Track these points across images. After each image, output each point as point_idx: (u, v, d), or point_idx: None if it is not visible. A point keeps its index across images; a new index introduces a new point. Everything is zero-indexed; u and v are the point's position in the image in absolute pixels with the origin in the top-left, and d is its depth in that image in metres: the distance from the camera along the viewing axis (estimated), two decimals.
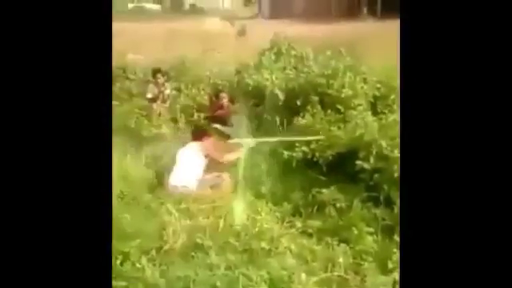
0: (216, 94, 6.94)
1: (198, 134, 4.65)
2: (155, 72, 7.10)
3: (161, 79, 7.02)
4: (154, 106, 6.56)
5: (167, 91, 7.04)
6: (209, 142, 4.53)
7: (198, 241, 2.97)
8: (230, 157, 4.47)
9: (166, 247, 2.94)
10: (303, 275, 2.64)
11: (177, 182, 4.11)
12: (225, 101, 6.69)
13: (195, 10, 33.36)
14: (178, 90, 7.44)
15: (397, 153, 4.26)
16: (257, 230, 3.11)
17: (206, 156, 4.42)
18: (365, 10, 22.23)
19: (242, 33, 14.49)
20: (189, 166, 4.26)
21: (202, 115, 6.42)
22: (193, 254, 2.90)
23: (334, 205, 4.05)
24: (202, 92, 7.15)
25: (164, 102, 6.83)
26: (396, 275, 2.81)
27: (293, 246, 3.08)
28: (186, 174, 4.18)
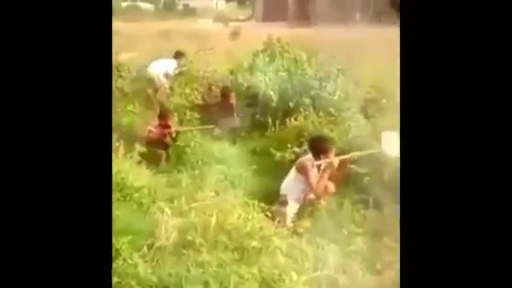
0: (223, 93, 6.94)
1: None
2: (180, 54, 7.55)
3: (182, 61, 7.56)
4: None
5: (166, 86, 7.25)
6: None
7: (190, 238, 2.98)
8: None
9: (157, 244, 2.95)
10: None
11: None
12: (232, 100, 6.80)
13: (188, 11, 33.30)
14: (171, 89, 7.48)
15: (387, 156, 4.31)
16: (248, 229, 3.14)
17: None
18: (357, 15, 22.37)
19: (235, 34, 14.51)
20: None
21: (195, 114, 6.45)
22: (184, 251, 2.91)
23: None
24: (196, 92, 7.18)
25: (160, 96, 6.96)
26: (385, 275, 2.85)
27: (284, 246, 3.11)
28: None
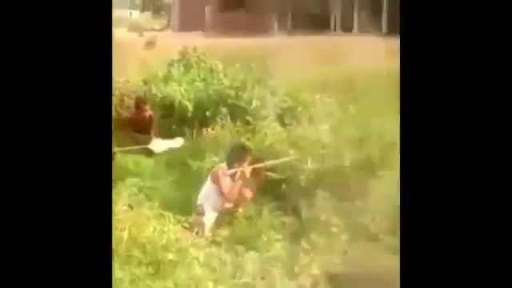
0: (137, 104, 6.48)
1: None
2: None
3: None
4: None
5: None
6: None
7: None
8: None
9: None
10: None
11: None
12: (147, 113, 6.37)
13: None
14: None
15: (303, 163, 4.41)
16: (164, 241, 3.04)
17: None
18: (275, 25, 22.92)
19: (150, 44, 14.26)
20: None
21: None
22: None
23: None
24: None
25: None
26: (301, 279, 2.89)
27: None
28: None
